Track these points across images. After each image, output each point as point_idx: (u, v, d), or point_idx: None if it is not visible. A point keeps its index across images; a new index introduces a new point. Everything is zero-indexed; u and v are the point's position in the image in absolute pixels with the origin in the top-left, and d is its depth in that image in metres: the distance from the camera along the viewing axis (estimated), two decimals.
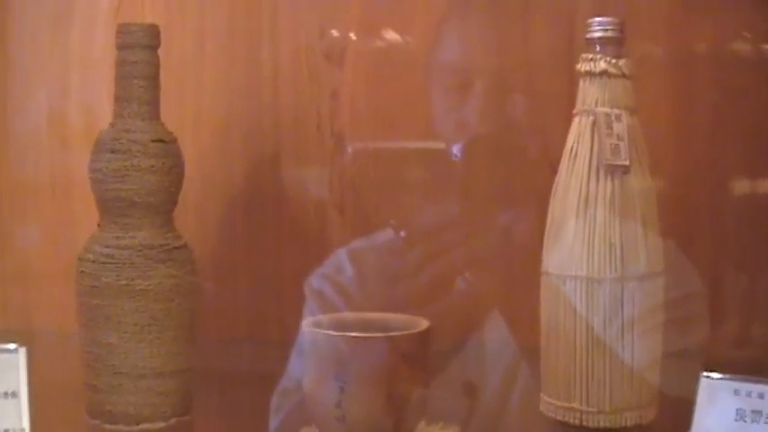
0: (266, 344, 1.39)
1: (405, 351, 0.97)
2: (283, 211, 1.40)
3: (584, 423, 1.04)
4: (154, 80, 1.08)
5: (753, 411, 0.79)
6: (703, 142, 1.33)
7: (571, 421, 1.05)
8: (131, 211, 1.05)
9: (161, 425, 1.06)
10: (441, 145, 1.37)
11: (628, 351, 1.03)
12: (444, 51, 1.38)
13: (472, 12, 1.38)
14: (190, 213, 1.27)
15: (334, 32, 1.39)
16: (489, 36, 1.38)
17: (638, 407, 1.04)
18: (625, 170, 1.03)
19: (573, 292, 1.04)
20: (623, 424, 1.04)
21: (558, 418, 1.06)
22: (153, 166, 1.05)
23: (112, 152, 1.05)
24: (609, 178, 1.03)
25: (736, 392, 0.80)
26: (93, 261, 1.05)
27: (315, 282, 1.24)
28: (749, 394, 0.79)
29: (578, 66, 1.07)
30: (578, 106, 1.07)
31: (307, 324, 1.01)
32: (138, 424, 1.05)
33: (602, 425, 1.04)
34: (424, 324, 1.00)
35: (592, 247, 1.03)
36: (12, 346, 0.84)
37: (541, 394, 1.09)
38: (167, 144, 1.07)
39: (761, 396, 0.79)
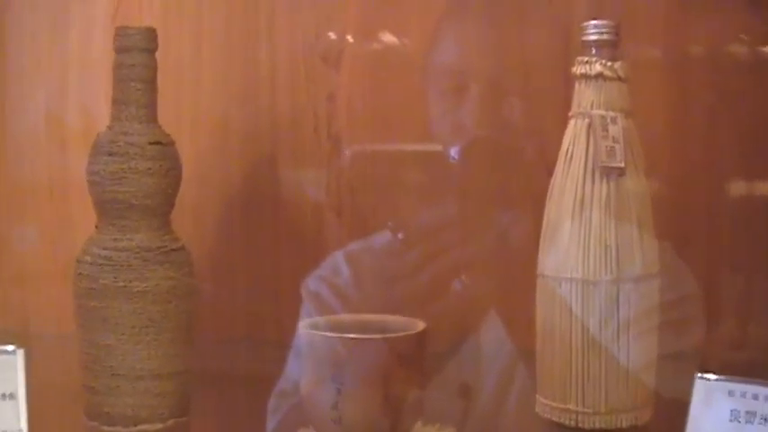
0: (264, 345, 1.39)
1: (401, 352, 0.97)
2: (280, 213, 1.41)
3: (580, 424, 1.04)
4: (151, 83, 1.08)
5: (747, 412, 0.79)
6: (699, 144, 1.34)
7: (567, 422, 1.05)
8: (129, 214, 1.05)
9: (159, 426, 1.06)
10: (437, 147, 1.37)
11: (623, 352, 1.03)
12: (441, 54, 1.38)
13: (469, 14, 1.38)
14: (187, 215, 1.27)
15: (332, 35, 1.39)
16: (486, 39, 1.38)
17: (634, 408, 1.05)
18: (620, 172, 1.04)
19: (569, 294, 1.04)
20: (619, 425, 1.04)
21: (554, 419, 1.06)
22: (150, 169, 1.05)
23: (110, 155, 1.05)
24: (604, 180, 1.04)
25: (731, 393, 0.80)
26: (90, 263, 1.05)
27: (312, 283, 1.24)
28: (744, 395, 0.80)
29: (574, 68, 1.08)
30: (574, 109, 1.08)
31: (303, 325, 1.01)
32: (135, 425, 1.05)
33: (597, 426, 1.04)
34: (420, 326, 1.00)
35: (587, 249, 1.04)
36: (10, 347, 0.85)
37: (537, 395, 1.09)
38: (165, 146, 1.07)
39: (755, 397, 0.79)
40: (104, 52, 1.26)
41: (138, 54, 1.07)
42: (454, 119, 1.36)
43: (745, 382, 0.80)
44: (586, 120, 1.05)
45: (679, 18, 1.33)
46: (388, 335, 0.98)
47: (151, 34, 1.08)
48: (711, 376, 0.81)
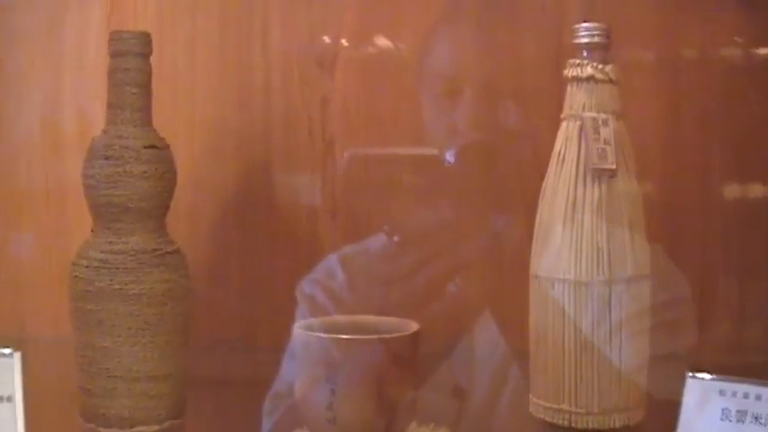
0: (258, 348, 1.39)
1: (395, 353, 0.97)
2: (275, 216, 1.41)
3: (573, 424, 1.05)
4: (146, 87, 1.08)
5: (738, 411, 0.80)
6: (691, 147, 1.34)
7: (560, 422, 1.06)
8: (124, 217, 1.05)
9: (155, 428, 1.06)
10: (431, 150, 1.37)
11: (616, 353, 1.04)
12: (435, 57, 1.39)
13: (462, 19, 1.39)
14: (182, 219, 1.28)
15: (326, 38, 1.40)
16: (479, 43, 1.39)
17: (626, 408, 1.05)
18: (612, 174, 1.04)
19: (561, 295, 1.05)
20: (611, 425, 1.05)
21: (547, 419, 1.07)
22: (145, 172, 1.05)
23: (105, 158, 1.05)
24: (596, 182, 1.04)
25: (722, 393, 0.81)
26: (86, 266, 1.05)
27: (307, 286, 1.25)
28: (734, 394, 0.80)
29: (565, 71, 1.08)
30: (566, 111, 1.08)
31: (298, 326, 1.02)
32: (132, 427, 1.05)
33: (590, 426, 1.04)
34: (414, 326, 1.01)
35: (579, 250, 1.04)
36: (7, 350, 0.85)
37: (530, 396, 1.10)
38: (160, 150, 1.07)
39: (746, 396, 0.80)
40: (99, 57, 1.27)
41: (132, 58, 1.07)
42: (448, 122, 1.36)
43: (736, 382, 0.81)
44: (578, 122, 1.06)
45: (670, 21, 1.34)
46: (382, 335, 0.99)
47: (146, 38, 1.08)
48: (703, 376, 0.82)
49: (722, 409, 0.80)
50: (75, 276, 1.06)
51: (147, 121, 1.08)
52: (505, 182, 1.36)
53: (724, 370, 0.83)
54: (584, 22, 1.08)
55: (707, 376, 0.82)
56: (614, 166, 1.04)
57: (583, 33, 1.07)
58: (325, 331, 1.00)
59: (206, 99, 1.42)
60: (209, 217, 1.41)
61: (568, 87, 1.08)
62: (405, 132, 1.39)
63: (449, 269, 1.32)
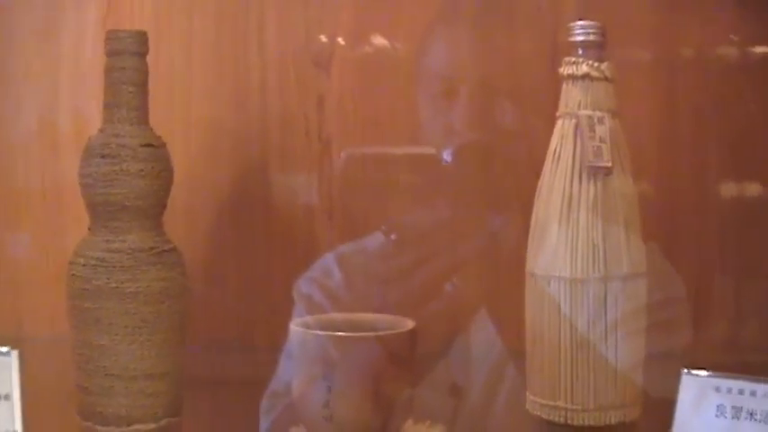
0: (255, 347, 1.39)
1: (392, 350, 0.98)
2: (272, 215, 1.41)
3: (569, 421, 1.05)
4: (142, 86, 1.08)
5: (733, 407, 0.80)
6: (687, 145, 1.34)
7: (556, 419, 1.06)
8: (121, 215, 1.05)
9: (152, 426, 1.06)
10: (428, 150, 1.37)
11: (612, 350, 1.04)
12: (431, 57, 1.39)
13: (459, 18, 1.39)
14: (179, 219, 1.28)
15: (322, 38, 1.40)
16: (475, 42, 1.39)
17: (622, 405, 1.05)
18: (607, 172, 1.04)
19: (557, 293, 1.05)
20: (608, 422, 1.05)
21: (544, 416, 1.07)
22: (142, 171, 1.05)
23: (102, 157, 1.05)
24: (592, 180, 1.05)
25: (717, 389, 0.81)
26: (83, 264, 1.05)
27: (304, 285, 1.25)
28: (729, 391, 0.81)
29: (561, 69, 1.09)
30: (561, 109, 1.09)
31: (295, 324, 1.02)
32: (129, 425, 1.05)
33: (586, 423, 1.05)
34: (410, 324, 1.01)
35: (575, 248, 1.04)
36: (4, 349, 0.85)
37: (527, 393, 1.10)
38: (156, 148, 1.08)
39: (741, 392, 0.80)
40: (95, 57, 1.27)
41: (129, 57, 1.07)
42: (444, 121, 1.36)
43: (732, 378, 0.81)
44: (573, 120, 1.06)
45: (666, 20, 1.34)
46: (378, 333, 0.99)
47: (142, 37, 1.08)
48: (698, 372, 0.82)
49: (717, 406, 0.81)
50: (73, 275, 1.07)
51: (143, 120, 1.08)
52: (502, 181, 1.36)
53: (720, 369, 0.83)
54: (580, 20, 1.08)
55: (702, 373, 0.82)
56: (610, 164, 1.04)
57: (578, 31, 1.08)
58: (322, 329, 1.00)
59: (202, 98, 1.41)
60: (205, 216, 1.41)
61: (564, 85, 1.08)
62: (401, 132, 1.39)
63: (445, 268, 1.32)
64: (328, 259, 1.31)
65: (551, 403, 1.06)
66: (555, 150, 1.08)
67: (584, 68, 1.06)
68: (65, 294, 1.08)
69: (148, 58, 1.09)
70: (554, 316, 1.06)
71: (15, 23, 1.46)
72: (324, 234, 1.40)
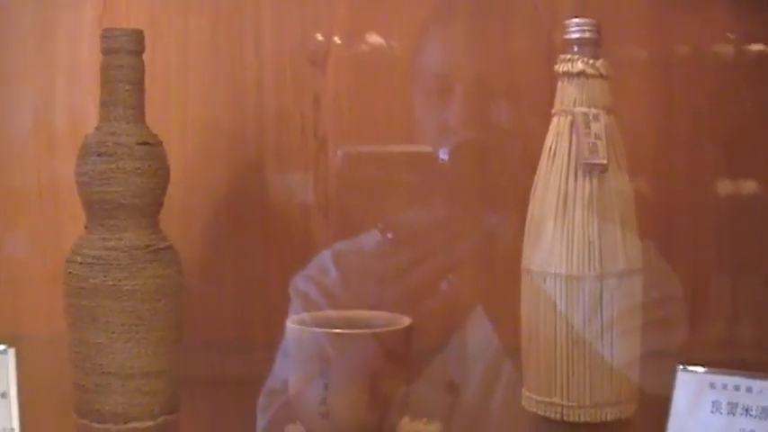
0: (252, 345, 1.40)
1: (388, 347, 0.98)
2: (268, 214, 1.41)
3: (565, 418, 1.05)
4: (139, 84, 1.08)
5: (729, 404, 0.80)
6: (682, 143, 1.35)
7: (552, 416, 1.06)
8: (117, 213, 1.05)
9: (149, 424, 1.06)
10: (424, 148, 1.37)
11: (607, 346, 1.04)
12: (427, 55, 1.39)
13: (454, 16, 1.39)
14: (175, 217, 1.27)
15: (318, 36, 1.40)
16: (471, 40, 1.39)
17: (618, 402, 1.06)
18: (603, 169, 1.05)
19: (553, 290, 1.05)
20: (603, 418, 1.05)
21: (540, 412, 1.07)
22: (138, 169, 1.05)
23: (98, 155, 1.05)
24: (587, 177, 1.05)
25: (712, 385, 0.81)
26: (80, 262, 1.06)
27: (300, 283, 1.25)
28: (725, 387, 0.81)
29: (556, 66, 1.09)
30: (557, 106, 1.09)
31: (291, 322, 1.02)
32: (126, 423, 1.05)
33: (582, 419, 1.05)
34: (406, 321, 1.01)
35: (571, 244, 1.05)
36: (1, 347, 0.85)
37: (523, 389, 1.10)
38: (152, 147, 1.08)
39: (737, 388, 0.80)
40: (91, 56, 1.27)
41: (125, 56, 1.07)
42: (440, 120, 1.36)
43: (727, 374, 0.81)
44: (569, 117, 1.06)
45: (662, 18, 1.34)
46: (374, 330, 0.99)
47: (138, 36, 1.08)
48: (693, 368, 0.82)
49: (713, 402, 0.81)
50: (69, 273, 1.07)
51: (139, 118, 1.08)
52: (498, 179, 1.36)
53: (716, 366, 0.83)
54: (575, 17, 1.09)
55: (698, 369, 0.82)
56: (605, 161, 1.04)
57: (574, 29, 1.08)
58: (318, 326, 1.00)
59: (198, 97, 1.42)
60: (202, 214, 1.41)
61: (559, 83, 1.09)
62: (397, 130, 1.39)
63: (442, 265, 1.33)
64: (325, 257, 1.31)
65: (547, 400, 1.07)
66: (550, 148, 1.08)
67: (579, 65, 1.07)
68: (62, 292, 1.08)
69: (144, 57, 1.09)
70: (550, 313, 1.06)
71: (11, 23, 1.46)
72: (320, 232, 1.40)
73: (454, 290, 1.31)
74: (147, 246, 1.06)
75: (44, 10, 1.45)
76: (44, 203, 1.45)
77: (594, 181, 1.05)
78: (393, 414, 1.00)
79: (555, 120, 1.09)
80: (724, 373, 0.81)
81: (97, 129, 1.08)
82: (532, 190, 1.09)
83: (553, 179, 1.06)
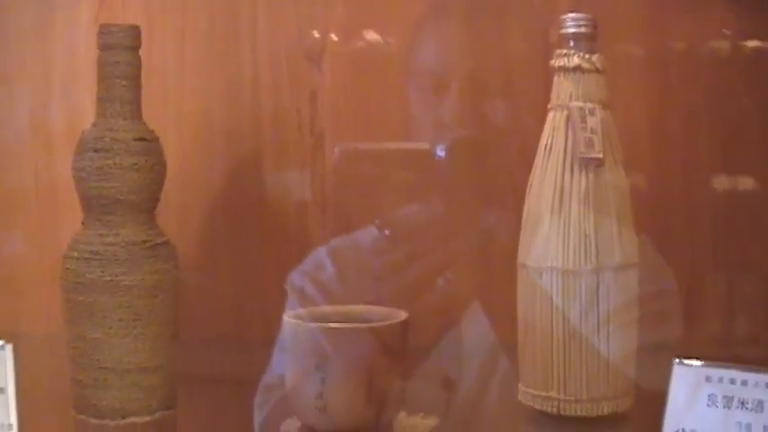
0: (249, 341, 1.40)
1: (385, 342, 0.98)
2: (265, 210, 1.41)
3: (562, 412, 1.05)
4: (135, 80, 1.08)
5: (724, 397, 0.80)
6: (678, 139, 1.35)
7: (549, 410, 1.06)
8: (114, 209, 1.06)
9: (147, 419, 1.07)
10: (420, 144, 1.37)
11: (604, 341, 1.04)
12: (423, 52, 1.39)
13: (451, 13, 1.39)
14: (172, 213, 1.27)
15: (314, 33, 1.40)
16: (467, 36, 1.39)
17: (615, 396, 1.06)
18: (599, 163, 1.05)
19: (549, 284, 1.05)
20: (600, 412, 1.05)
21: (536, 406, 1.07)
22: (135, 164, 1.06)
23: (95, 151, 1.05)
24: (583, 171, 1.05)
25: (709, 379, 0.81)
26: (77, 258, 1.06)
27: (297, 278, 1.25)
28: (721, 380, 0.81)
29: (552, 61, 1.09)
30: (553, 101, 1.09)
31: (288, 316, 1.02)
32: (123, 418, 1.06)
33: (579, 413, 1.05)
34: (402, 315, 1.01)
35: (567, 239, 1.05)
36: None
37: (520, 384, 1.10)
38: (149, 142, 1.08)
39: (732, 382, 0.80)
40: (88, 54, 1.27)
41: (121, 51, 1.07)
42: (437, 116, 1.36)
43: (723, 367, 0.81)
44: (565, 111, 1.06)
45: (659, 14, 1.34)
46: (371, 324, 0.99)
47: (134, 32, 1.08)
48: (689, 362, 0.82)
49: (709, 395, 0.81)
50: (67, 268, 1.07)
51: (136, 114, 1.08)
52: (494, 175, 1.36)
53: (712, 361, 0.83)
54: (571, 12, 1.09)
55: (694, 362, 0.82)
56: (601, 155, 1.05)
57: (569, 24, 1.08)
58: (314, 321, 1.01)
59: (195, 93, 1.42)
60: (198, 210, 1.41)
61: (555, 77, 1.09)
62: (393, 126, 1.39)
63: (439, 262, 1.33)
64: (321, 253, 1.31)
65: (544, 394, 1.07)
66: (546, 142, 1.08)
67: (575, 60, 1.07)
68: (59, 288, 1.08)
69: (141, 54, 1.09)
70: (546, 307, 1.06)
71: (8, 21, 1.46)
72: (317, 228, 1.41)
73: (451, 286, 1.31)
74: (145, 241, 1.06)
75: (41, 8, 1.46)
76: (41, 202, 1.46)
77: (591, 175, 1.05)
78: (390, 408, 1.00)
79: (551, 114, 1.09)
80: (720, 367, 0.81)
81: (94, 125, 1.08)
82: (529, 185, 1.10)
83: (549, 174, 1.07)
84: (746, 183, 1.36)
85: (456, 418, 1.10)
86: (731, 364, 0.81)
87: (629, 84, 1.32)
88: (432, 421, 1.05)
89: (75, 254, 1.06)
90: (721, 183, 1.36)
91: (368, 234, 1.33)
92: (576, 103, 1.06)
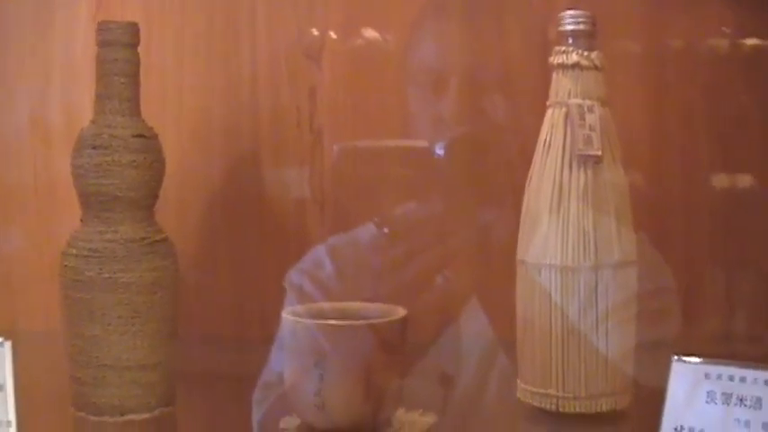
0: (247, 338, 1.40)
1: (383, 339, 0.98)
2: (263, 207, 1.41)
3: (561, 409, 1.05)
4: (134, 77, 1.08)
5: (723, 394, 0.80)
6: (677, 136, 1.35)
7: (547, 407, 1.06)
8: (113, 206, 1.06)
9: (145, 416, 1.07)
10: (419, 142, 1.37)
11: (602, 338, 1.04)
12: (422, 49, 1.39)
13: (449, 10, 1.39)
14: (171, 210, 1.28)
15: (313, 30, 1.40)
16: (466, 34, 1.39)
17: (613, 393, 1.06)
18: (597, 160, 1.05)
19: (548, 281, 1.05)
20: (598, 410, 1.05)
21: (535, 403, 1.07)
22: (134, 161, 1.06)
23: (94, 148, 1.05)
24: (582, 168, 1.05)
25: (707, 376, 0.81)
26: (76, 255, 1.06)
27: (295, 276, 1.25)
28: (720, 377, 0.81)
29: (551, 58, 1.09)
30: (551, 98, 1.09)
31: (286, 314, 1.02)
32: (122, 415, 1.06)
33: (577, 410, 1.05)
34: (401, 312, 1.01)
35: (566, 236, 1.05)
36: None
37: (518, 381, 1.10)
38: (148, 139, 1.08)
39: (731, 379, 0.80)
40: (86, 52, 1.27)
41: (120, 49, 1.07)
42: (435, 113, 1.36)
43: (722, 364, 0.81)
44: (564, 109, 1.06)
45: (657, 11, 1.34)
46: (370, 321, 0.99)
47: (133, 29, 1.08)
48: (688, 359, 0.82)
49: (708, 392, 0.81)
50: (65, 266, 1.07)
51: (135, 111, 1.09)
52: (493, 172, 1.36)
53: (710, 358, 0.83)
54: (570, 9, 1.09)
55: (692, 359, 0.82)
56: (600, 152, 1.05)
57: (568, 21, 1.08)
58: (312, 318, 1.00)
59: (194, 90, 1.42)
60: (197, 208, 1.41)
61: (554, 74, 1.09)
62: (392, 124, 1.39)
63: (437, 259, 1.33)
64: (320, 250, 1.31)
65: (542, 391, 1.07)
66: (545, 139, 1.08)
67: (574, 57, 1.07)
68: (58, 285, 1.08)
69: (140, 51, 1.09)
70: (545, 304, 1.06)
71: (7, 19, 1.46)
72: (315, 225, 1.41)
73: (450, 283, 1.31)
74: (143, 238, 1.06)
75: (40, 7, 1.46)
76: (40, 199, 1.46)
77: (589, 172, 1.05)
78: (388, 405, 1.00)
79: (549, 112, 1.09)
80: (718, 364, 0.81)
81: (93, 122, 1.08)
82: (527, 182, 1.10)
83: (548, 171, 1.07)
84: (745, 180, 1.36)
85: (454, 415, 1.09)
86: (730, 361, 0.81)
87: (628, 81, 1.32)
88: (430, 418, 1.05)
89: (74, 251, 1.06)
90: (720, 180, 1.36)
91: (366, 231, 1.33)
92: (574, 101, 1.06)
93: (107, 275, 1.04)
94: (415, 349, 1.08)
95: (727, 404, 0.80)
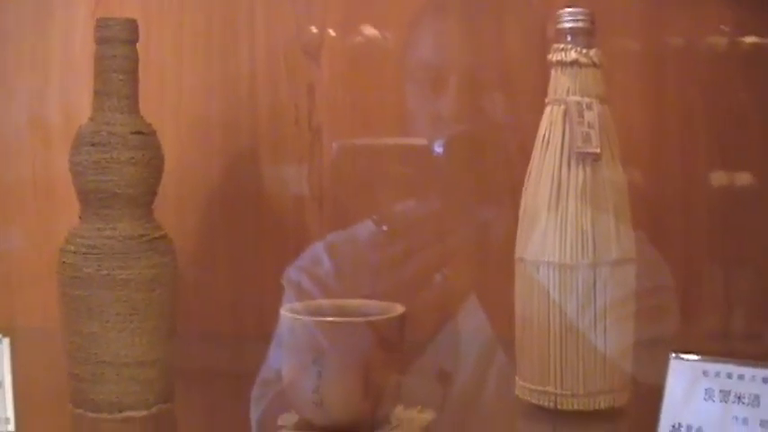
0: (246, 335, 1.40)
1: (381, 336, 0.98)
2: (262, 204, 1.41)
3: (559, 406, 1.05)
4: (132, 74, 1.08)
5: (721, 391, 0.80)
6: (675, 134, 1.35)
7: (546, 404, 1.06)
8: (111, 203, 1.06)
9: (143, 413, 1.07)
10: (417, 139, 1.37)
11: (600, 335, 1.04)
12: (421, 47, 1.39)
13: (448, 7, 1.39)
14: (169, 207, 1.28)
15: (312, 28, 1.40)
16: (465, 31, 1.39)
17: (611, 390, 1.06)
18: (596, 157, 1.05)
19: (546, 278, 1.05)
20: (597, 407, 1.05)
21: (533, 401, 1.07)
22: (132, 158, 1.06)
23: (92, 145, 1.06)
24: (580, 166, 1.05)
25: (705, 373, 0.81)
26: (74, 252, 1.06)
27: (293, 273, 1.25)
28: (717, 374, 0.81)
29: (550, 55, 1.09)
30: (550, 95, 1.09)
31: (284, 311, 1.02)
32: (120, 412, 1.06)
33: (575, 408, 1.05)
34: (399, 309, 1.01)
35: (564, 233, 1.05)
36: None
37: (517, 378, 1.11)
38: (146, 136, 1.08)
39: (729, 376, 0.80)
40: (85, 50, 1.27)
41: (119, 45, 1.07)
42: (434, 111, 1.36)
43: (720, 362, 0.81)
44: (562, 106, 1.06)
45: (656, 9, 1.34)
46: (368, 318, 0.99)
47: (132, 25, 1.09)
48: (686, 356, 0.82)
49: (706, 390, 0.81)
50: (64, 262, 1.07)
51: (133, 108, 1.09)
52: (491, 170, 1.36)
53: (708, 355, 0.83)
54: (568, 7, 1.09)
55: (690, 357, 0.82)
56: (598, 150, 1.05)
57: (567, 18, 1.08)
58: (310, 315, 1.00)
59: (193, 87, 1.42)
60: (196, 205, 1.41)
61: (552, 72, 1.09)
62: (391, 121, 1.39)
63: (436, 257, 1.33)
64: (318, 247, 1.31)
65: (540, 388, 1.07)
66: (544, 137, 1.08)
67: (572, 55, 1.07)
68: (56, 282, 1.08)
69: (138, 48, 1.09)
70: (543, 302, 1.06)
71: (6, 16, 1.46)
72: (314, 222, 1.41)
73: (448, 280, 1.31)
74: (142, 235, 1.06)
75: (39, 4, 1.45)
76: (39, 196, 1.46)
77: (588, 170, 1.05)
78: (387, 402, 1.00)
79: (548, 109, 1.09)
80: (716, 361, 0.81)
81: (91, 119, 1.08)
82: (526, 179, 1.10)
83: (546, 168, 1.07)
84: (743, 178, 1.36)
85: (453, 413, 1.09)
86: (728, 358, 0.81)
87: (627, 78, 1.32)
88: (428, 415, 1.04)
89: (73, 248, 1.06)
90: (718, 178, 1.36)
91: (365, 228, 1.33)
92: (573, 98, 1.06)
93: (105, 272, 1.04)
94: (414, 346, 1.08)
95: (725, 402, 0.80)
